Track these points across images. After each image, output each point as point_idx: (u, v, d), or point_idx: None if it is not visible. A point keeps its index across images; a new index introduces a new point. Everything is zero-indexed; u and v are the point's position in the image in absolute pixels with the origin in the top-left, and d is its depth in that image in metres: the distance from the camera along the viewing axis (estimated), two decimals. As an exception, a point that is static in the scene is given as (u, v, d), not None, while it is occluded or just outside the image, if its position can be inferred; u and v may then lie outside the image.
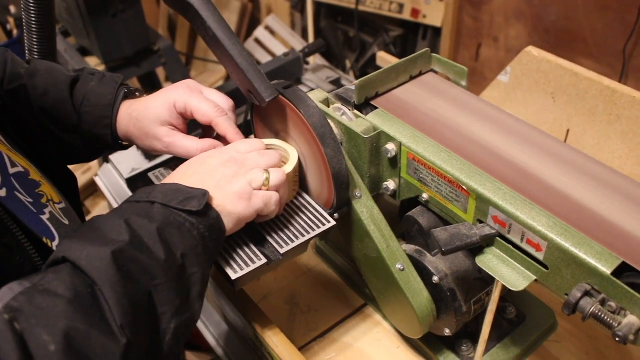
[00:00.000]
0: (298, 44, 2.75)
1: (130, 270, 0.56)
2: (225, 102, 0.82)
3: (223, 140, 0.82)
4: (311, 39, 2.46)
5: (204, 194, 0.65)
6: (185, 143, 0.80)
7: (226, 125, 0.79)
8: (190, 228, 0.62)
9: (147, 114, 0.81)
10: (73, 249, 0.56)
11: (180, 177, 0.70)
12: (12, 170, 0.68)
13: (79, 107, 0.84)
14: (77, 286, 0.53)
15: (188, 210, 0.63)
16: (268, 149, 0.78)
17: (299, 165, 0.80)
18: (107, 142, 0.86)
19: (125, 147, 0.89)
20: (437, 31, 2.36)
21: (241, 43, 0.74)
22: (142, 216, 0.61)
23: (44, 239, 0.67)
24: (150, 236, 0.59)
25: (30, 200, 0.68)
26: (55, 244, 0.68)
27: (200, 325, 1.08)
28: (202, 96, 0.81)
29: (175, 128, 0.81)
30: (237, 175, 0.69)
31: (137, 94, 0.87)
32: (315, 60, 1.81)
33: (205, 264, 0.64)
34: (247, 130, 1.36)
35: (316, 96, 0.83)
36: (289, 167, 0.77)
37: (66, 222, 0.73)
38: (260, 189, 0.71)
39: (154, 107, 0.81)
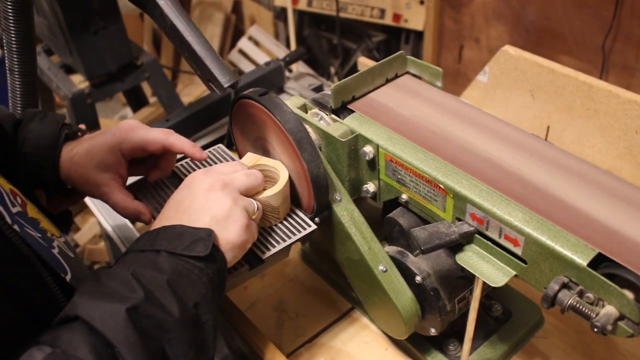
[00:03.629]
0: (282, 54, 2.75)
1: (145, 327, 0.54)
2: (167, 130, 0.80)
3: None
4: (294, 47, 2.47)
5: (209, 234, 0.63)
6: (117, 198, 0.79)
7: (180, 141, 0.78)
8: (200, 274, 0.61)
9: (89, 158, 0.79)
10: (85, 307, 0.54)
11: (175, 213, 0.68)
12: (13, 210, 0.66)
13: (21, 148, 0.80)
14: (97, 348, 0.51)
15: (195, 256, 0.61)
16: (257, 168, 0.77)
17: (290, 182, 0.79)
18: (49, 186, 0.82)
19: (71, 192, 0.86)
20: (419, 35, 2.38)
21: (199, 30, 0.73)
22: (150, 268, 0.59)
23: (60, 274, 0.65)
24: (161, 290, 0.58)
25: (39, 235, 0.66)
26: (68, 277, 0.66)
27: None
28: (145, 128, 0.80)
29: (117, 174, 0.80)
30: (234, 207, 0.67)
31: (79, 133, 0.84)
32: (299, 68, 1.82)
33: (215, 309, 0.63)
34: (228, 142, 1.36)
35: (293, 102, 0.83)
36: (279, 185, 0.76)
37: (72, 255, 0.71)
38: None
39: (97, 151, 0.78)
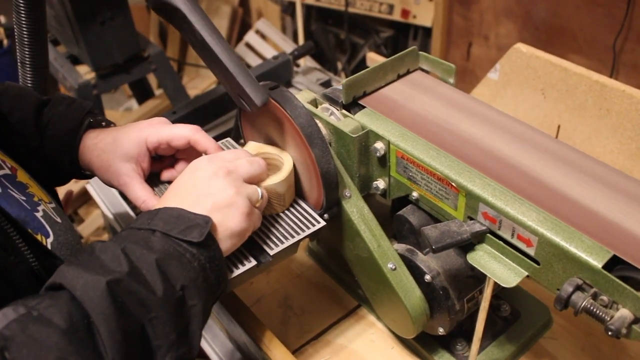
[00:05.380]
0: (289, 48, 2.74)
1: (125, 302, 0.54)
2: (195, 127, 0.81)
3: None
4: (301, 42, 2.46)
5: (207, 221, 0.63)
6: (137, 191, 0.79)
7: (205, 140, 0.78)
8: (191, 259, 0.61)
9: (114, 147, 0.80)
10: (70, 276, 0.55)
11: (176, 197, 0.68)
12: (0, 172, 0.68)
13: (44, 130, 0.83)
14: (73, 316, 0.51)
15: (189, 240, 0.61)
16: (261, 156, 0.77)
17: (294, 171, 0.78)
18: (66, 168, 0.84)
19: (87, 177, 0.87)
20: (427, 31, 2.37)
21: (230, 46, 0.73)
22: (141, 245, 0.59)
23: (39, 236, 0.66)
24: (149, 267, 0.58)
25: (24, 198, 0.68)
26: (50, 240, 0.67)
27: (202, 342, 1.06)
28: (172, 125, 0.81)
29: (139, 167, 0.81)
30: (236, 195, 0.67)
31: (103, 123, 0.85)
32: (306, 62, 1.81)
33: (206, 295, 0.62)
34: (236, 135, 1.36)
35: (304, 97, 0.82)
36: (284, 173, 0.75)
37: (59, 220, 0.72)
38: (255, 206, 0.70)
39: (125, 141, 0.79)
